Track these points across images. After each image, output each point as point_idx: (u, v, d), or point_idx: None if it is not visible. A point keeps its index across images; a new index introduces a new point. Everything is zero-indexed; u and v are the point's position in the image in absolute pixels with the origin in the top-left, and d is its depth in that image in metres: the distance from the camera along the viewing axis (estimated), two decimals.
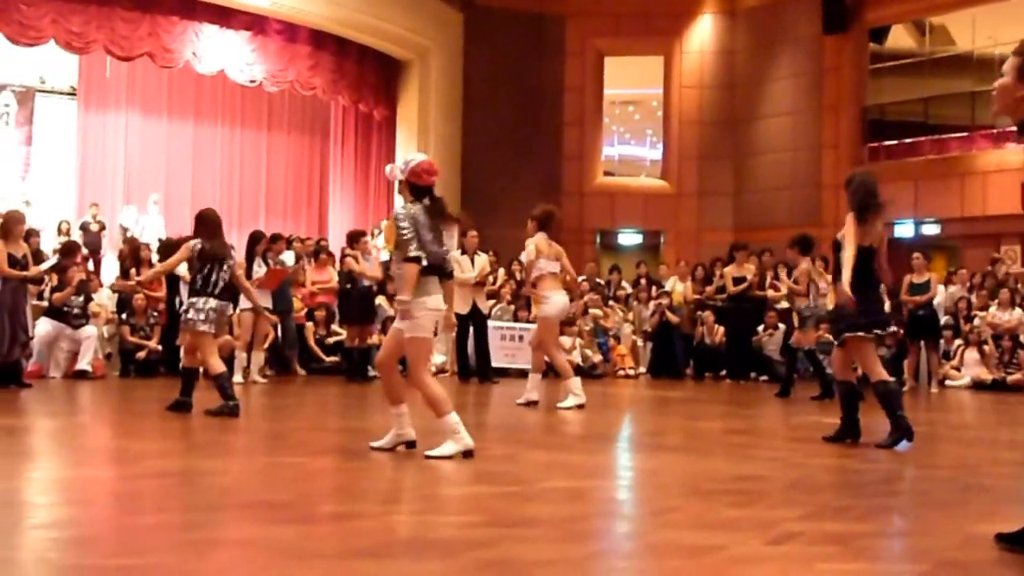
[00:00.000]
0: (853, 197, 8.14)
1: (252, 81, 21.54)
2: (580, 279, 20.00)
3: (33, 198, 20.32)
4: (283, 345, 15.81)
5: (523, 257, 12.13)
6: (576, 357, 16.79)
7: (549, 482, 6.20)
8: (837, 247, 8.27)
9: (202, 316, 9.65)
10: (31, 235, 16.71)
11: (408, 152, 23.40)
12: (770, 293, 16.75)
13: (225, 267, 9.97)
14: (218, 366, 9.70)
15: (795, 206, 23.38)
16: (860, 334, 8.08)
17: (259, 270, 14.22)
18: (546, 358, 11.88)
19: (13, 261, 12.19)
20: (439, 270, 7.08)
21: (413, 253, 6.87)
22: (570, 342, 16.76)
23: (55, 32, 18.63)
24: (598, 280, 20.13)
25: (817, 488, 6.20)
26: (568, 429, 9.53)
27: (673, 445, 8.33)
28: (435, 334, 7.39)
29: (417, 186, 7.12)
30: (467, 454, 6.87)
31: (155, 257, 15.79)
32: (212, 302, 9.71)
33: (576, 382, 11.40)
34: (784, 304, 15.52)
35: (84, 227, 19.75)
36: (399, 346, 7.21)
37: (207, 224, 10.27)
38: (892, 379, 8.29)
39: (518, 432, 9.12)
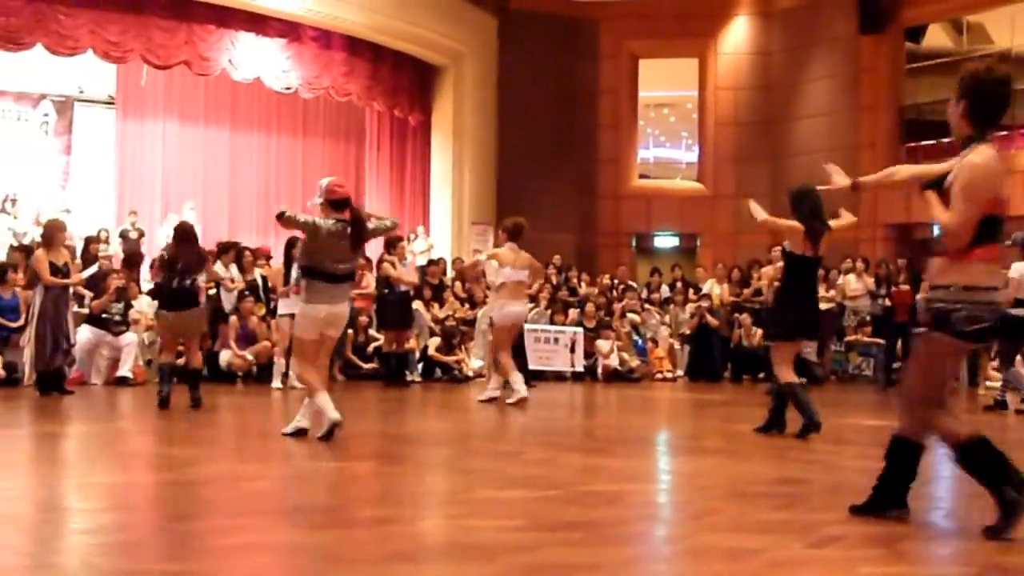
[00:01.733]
0: (801, 209, 9.30)
1: (288, 88, 21.62)
2: (619, 284, 20.05)
3: (73, 207, 20.44)
4: (334, 350, 15.83)
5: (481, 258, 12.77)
6: (613, 360, 16.77)
7: (588, 486, 6.19)
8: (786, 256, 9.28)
9: None
10: (90, 242, 16.87)
11: (444, 158, 23.51)
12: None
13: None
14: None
15: (832, 207, 23.24)
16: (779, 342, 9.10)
17: (295, 275, 14.23)
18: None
19: (55, 269, 12.27)
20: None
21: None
22: (608, 346, 16.74)
23: (93, 42, 18.75)
24: (630, 283, 20.08)
25: (858, 490, 6.14)
26: (606, 433, 9.52)
27: (712, 448, 8.30)
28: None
29: (332, 201, 8.26)
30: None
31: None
32: None
33: (518, 378, 11.78)
34: (824, 306, 15.41)
35: (123, 235, 19.85)
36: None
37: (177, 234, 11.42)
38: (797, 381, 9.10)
39: (556, 436, 9.11)
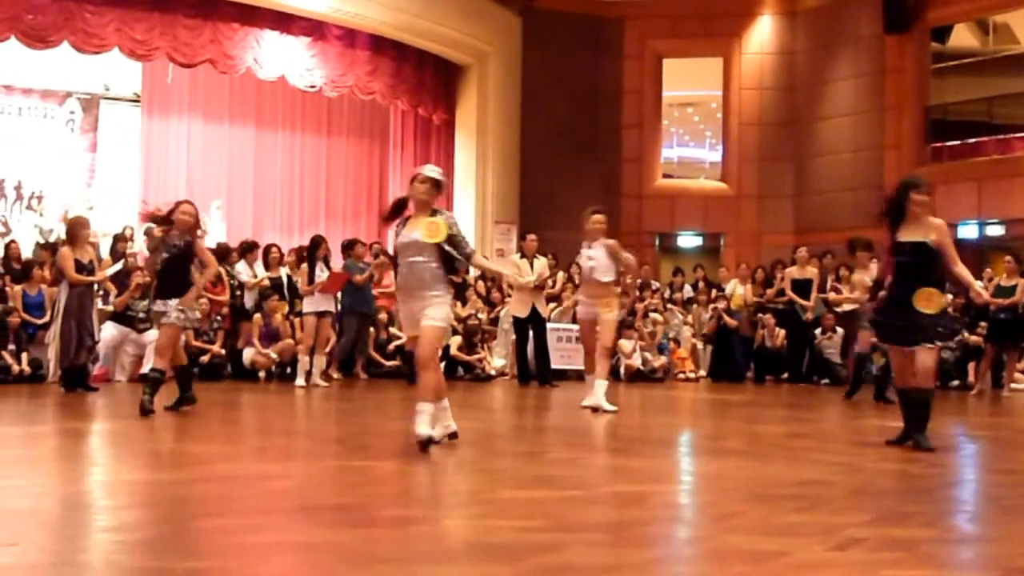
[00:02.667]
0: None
1: (312, 86, 21.67)
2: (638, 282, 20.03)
3: (98, 204, 20.54)
4: (357, 348, 15.88)
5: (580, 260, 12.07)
6: (636, 360, 16.75)
7: (610, 486, 6.18)
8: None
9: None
10: (118, 240, 16.94)
11: (468, 157, 23.52)
12: (831, 296, 16.58)
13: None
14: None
15: (857, 208, 23.14)
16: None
17: (321, 275, 14.32)
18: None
19: (80, 267, 12.36)
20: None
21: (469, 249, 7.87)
22: (630, 345, 16.72)
23: (119, 40, 18.83)
24: (653, 282, 20.06)
25: (881, 493, 6.14)
26: (628, 433, 9.51)
27: (734, 449, 8.28)
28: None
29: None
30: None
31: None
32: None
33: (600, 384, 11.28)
34: (846, 307, 15.36)
35: (148, 233, 19.82)
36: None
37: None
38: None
39: (579, 436, 9.11)
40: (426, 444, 7.21)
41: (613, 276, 11.41)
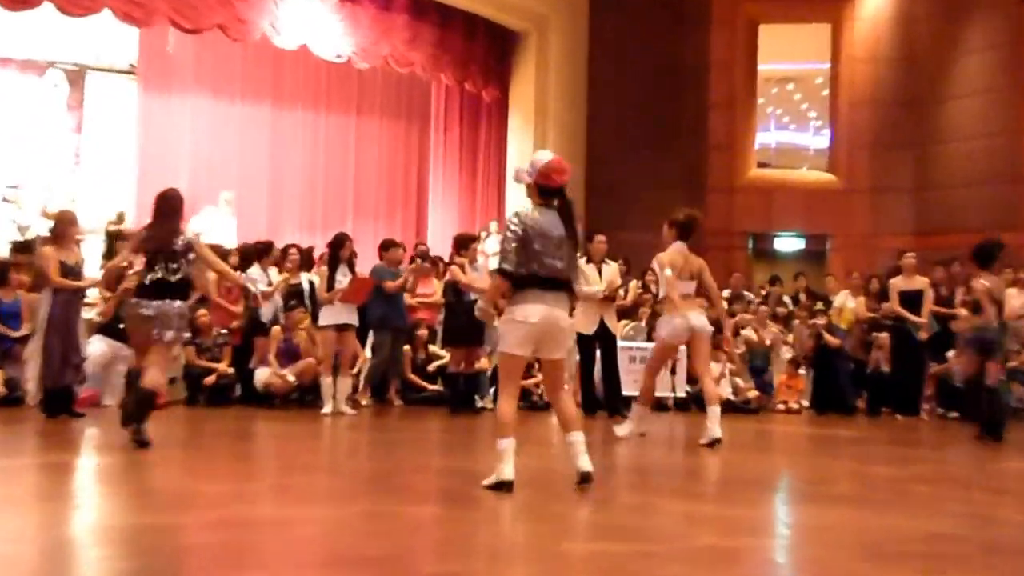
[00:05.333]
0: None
1: (339, 57, 21.72)
2: (724, 294, 19.92)
3: (84, 194, 20.54)
4: (391, 369, 15.91)
5: (655, 267, 12.28)
6: (725, 387, 16.65)
7: (693, 539, 6.16)
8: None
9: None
10: (115, 239, 16.98)
11: (524, 142, 23.50)
12: (962, 312, 16.38)
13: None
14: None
15: (989, 204, 22.95)
16: None
17: (343, 280, 14.31)
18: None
19: (65, 269, 12.35)
20: (551, 282, 7.78)
21: (500, 265, 7.80)
22: (717, 369, 16.62)
23: (110, 1, 18.76)
24: (746, 294, 19.97)
25: (1021, 550, 6.07)
26: (714, 475, 9.48)
27: (843, 495, 8.23)
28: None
29: (547, 188, 7.86)
30: (500, 487, 7.45)
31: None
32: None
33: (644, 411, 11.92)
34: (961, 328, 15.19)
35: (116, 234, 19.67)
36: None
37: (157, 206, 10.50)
38: None
39: (654, 477, 9.09)
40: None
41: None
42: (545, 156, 7.98)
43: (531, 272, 7.68)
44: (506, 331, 7.76)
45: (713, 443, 11.16)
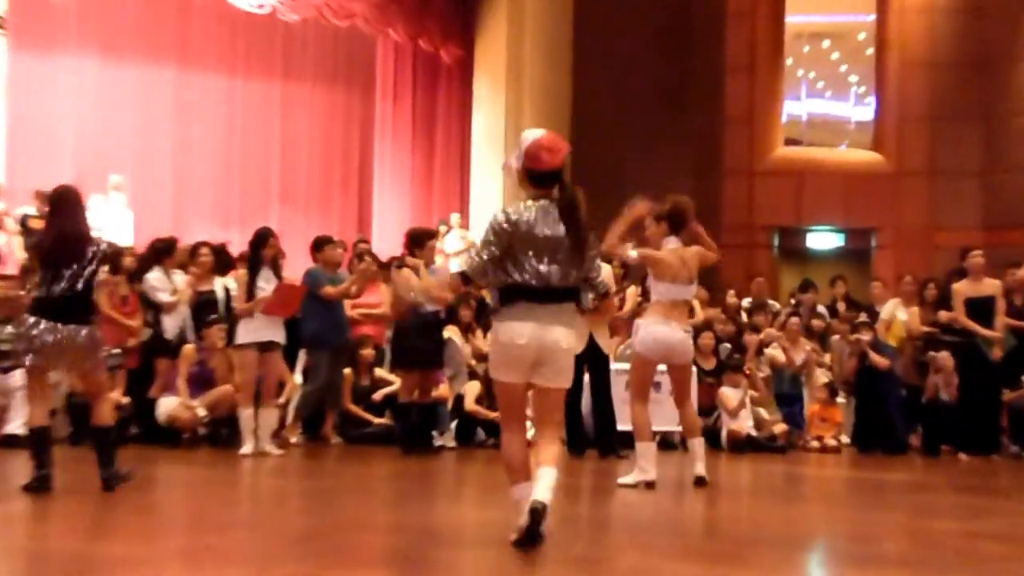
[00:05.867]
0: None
1: (261, 7, 21.73)
2: (743, 303, 19.98)
3: None
4: (327, 399, 15.85)
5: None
6: (745, 420, 16.65)
7: None
8: None
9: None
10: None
11: (493, 113, 23.53)
12: None
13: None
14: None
15: None
16: None
17: (266, 287, 14.22)
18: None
19: None
20: (544, 294, 7.68)
21: (462, 268, 7.92)
22: (736, 397, 16.62)
23: None
24: (771, 303, 20.03)
25: None
26: (733, 530, 9.50)
27: (894, 556, 8.26)
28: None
29: (538, 173, 7.83)
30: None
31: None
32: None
33: (648, 450, 11.59)
34: None
35: (25, 224, 19.38)
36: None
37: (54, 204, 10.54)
38: None
39: (657, 534, 9.10)
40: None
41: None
42: (533, 134, 7.90)
43: (517, 283, 7.63)
44: (493, 353, 7.82)
45: (698, 482, 11.26)
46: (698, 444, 11.66)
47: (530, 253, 7.62)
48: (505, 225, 7.64)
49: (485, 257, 7.62)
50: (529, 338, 7.58)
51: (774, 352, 18.14)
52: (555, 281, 7.67)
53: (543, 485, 7.47)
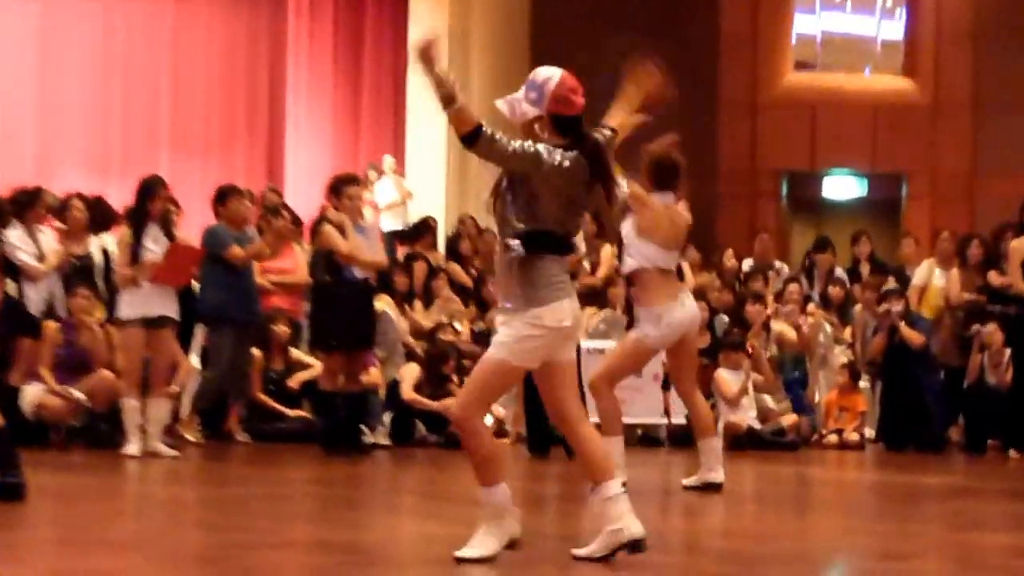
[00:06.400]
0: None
1: None
2: (744, 266, 20.03)
3: None
4: (231, 387, 15.84)
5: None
6: (747, 409, 16.69)
7: None
8: None
9: None
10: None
11: (435, 29, 23.51)
12: None
13: None
14: None
15: None
16: None
17: (155, 249, 14.15)
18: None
19: None
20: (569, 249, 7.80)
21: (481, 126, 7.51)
22: (736, 381, 16.65)
23: None
24: (779, 265, 20.10)
25: None
26: (735, 546, 9.55)
27: (931, 573, 8.33)
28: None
29: (566, 119, 7.83)
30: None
31: None
32: None
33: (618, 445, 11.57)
34: None
35: None
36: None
37: None
38: None
39: (643, 552, 9.17)
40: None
41: None
42: (549, 73, 7.96)
43: (550, 231, 7.66)
44: (530, 339, 7.63)
45: (708, 487, 11.29)
46: (716, 444, 11.77)
47: (566, 206, 7.70)
48: (549, 160, 7.55)
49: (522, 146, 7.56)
50: (574, 318, 7.73)
51: (781, 327, 18.11)
52: (574, 233, 7.92)
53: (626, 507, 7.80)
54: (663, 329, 11.55)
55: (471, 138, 7.40)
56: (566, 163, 7.58)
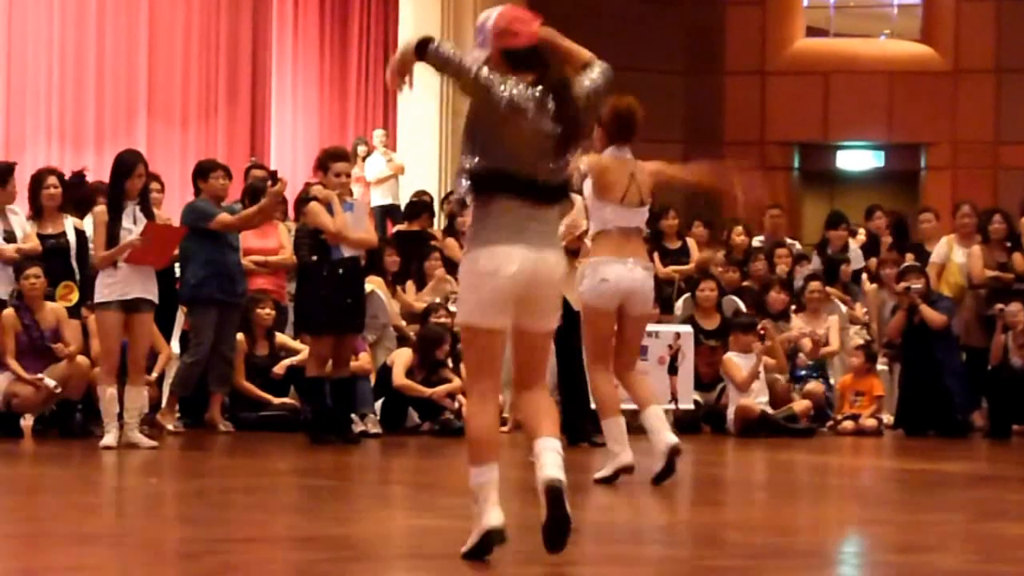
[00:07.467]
0: None
1: None
2: (754, 243, 19.99)
3: None
4: (213, 373, 15.81)
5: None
6: (759, 393, 16.65)
7: None
8: None
9: None
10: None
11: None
12: None
13: None
14: None
15: None
16: None
17: (132, 228, 14.09)
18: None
19: None
20: (535, 190, 7.50)
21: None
22: (747, 364, 16.62)
23: None
24: (790, 242, 20.08)
25: None
26: (746, 538, 9.53)
27: (952, 570, 8.30)
28: None
29: (513, 52, 7.63)
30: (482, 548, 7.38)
31: None
32: None
33: (617, 427, 11.63)
34: None
35: None
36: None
37: None
38: None
39: (647, 545, 9.13)
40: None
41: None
42: (488, 12, 7.85)
43: (501, 169, 7.46)
44: (468, 289, 7.58)
45: (672, 456, 11.21)
46: (659, 410, 11.71)
47: (516, 137, 7.48)
48: (497, 87, 7.43)
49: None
50: (521, 265, 7.35)
51: (799, 324, 18.02)
52: (543, 177, 7.52)
53: (551, 461, 7.39)
54: (595, 281, 11.58)
55: (419, 49, 7.48)
56: (526, 95, 7.44)
